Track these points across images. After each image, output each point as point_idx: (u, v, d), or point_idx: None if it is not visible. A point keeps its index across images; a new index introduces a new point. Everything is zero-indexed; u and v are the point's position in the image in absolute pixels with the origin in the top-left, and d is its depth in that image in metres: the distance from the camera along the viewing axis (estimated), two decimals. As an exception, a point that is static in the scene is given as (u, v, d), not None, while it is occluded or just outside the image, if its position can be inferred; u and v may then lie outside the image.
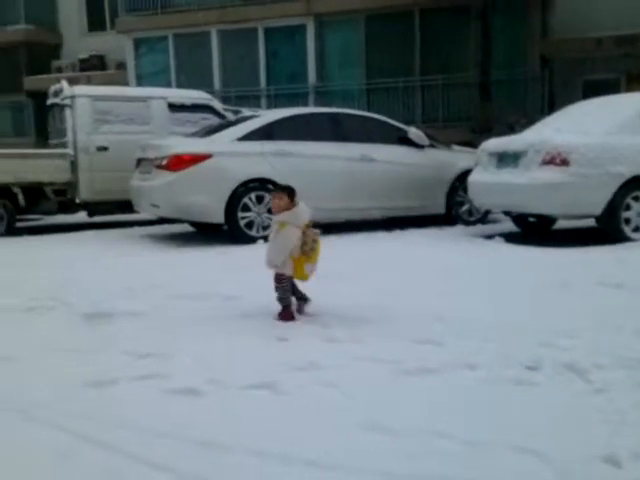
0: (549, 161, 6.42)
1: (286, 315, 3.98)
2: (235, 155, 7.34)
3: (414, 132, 8.39)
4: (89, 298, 4.59)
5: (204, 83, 14.81)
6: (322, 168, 7.73)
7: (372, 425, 2.44)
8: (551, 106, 13.85)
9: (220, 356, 3.33)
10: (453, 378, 2.95)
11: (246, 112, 9.42)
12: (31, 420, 2.58)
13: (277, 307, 4.03)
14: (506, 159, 7.01)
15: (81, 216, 9.61)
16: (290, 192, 4.03)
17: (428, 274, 5.34)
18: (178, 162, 7.14)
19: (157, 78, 16.33)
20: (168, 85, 15.73)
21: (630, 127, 6.55)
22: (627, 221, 6.56)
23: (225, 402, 2.74)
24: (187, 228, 8.79)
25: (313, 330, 3.73)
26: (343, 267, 5.42)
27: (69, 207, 9.21)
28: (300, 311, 4.07)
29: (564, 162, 6.34)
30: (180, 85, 15.25)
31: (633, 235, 6.53)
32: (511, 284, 4.92)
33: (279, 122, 7.83)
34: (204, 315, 4.17)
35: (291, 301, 4.04)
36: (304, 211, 3.99)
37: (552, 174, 6.38)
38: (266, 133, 7.64)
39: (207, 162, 7.20)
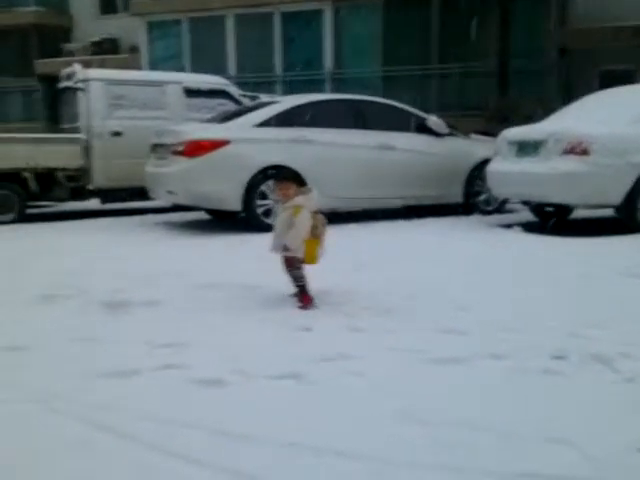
0: (570, 150, 6.37)
1: (306, 298, 3.97)
2: (253, 142, 7.24)
3: (434, 120, 8.28)
4: (106, 287, 4.54)
5: (219, 68, 14.66)
6: (341, 156, 7.62)
7: (404, 416, 2.40)
8: (568, 96, 13.68)
9: (243, 346, 3.27)
10: (481, 368, 2.91)
11: (264, 98, 9.30)
12: (52, 411, 2.52)
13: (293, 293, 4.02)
14: (526, 148, 6.93)
15: (93, 203, 9.50)
16: (297, 180, 4.07)
17: (449, 263, 5.27)
18: (195, 148, 7.05)
19: (171, 62, 16.21)
20: (182, 70, 15.57)
21: None
22: None
23: (251, 393, 2.68)
24: (202, 216, 8.71)
25: (337, 320, 3.67)
26: (364, 256, 5.38)
27: (82, 194, 9.06)
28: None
29: (584, 152, 6.30)
30: (194, 70, 15.11)
31: None
32: (534, 274, 4.86)
33: (298, 108, 7.71)
34: (223, 304, 4.12)
35: (307, 282, 4.02)
36: (315, 196, 4.05)
37: (573, 164, 6.33)
38: (285, 119, 7.53)
39: (225, 148, 7.11)
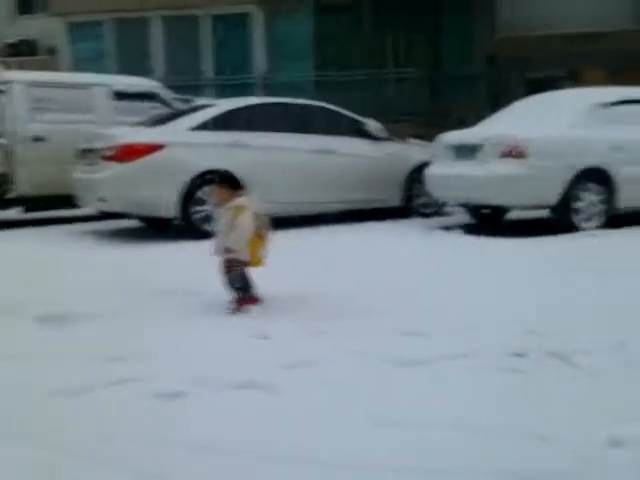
0: (507, 154, 6.55)
1: (247, 300, 3.92)
2: (189, 146, 7.02)
3: (372, 124, 8.31)
4: (40, 299, 4.24)
5: (145, 71, 14.25)
6: (280, 160, 7.50)
7: (380, 420, 2.34)
8: (496, 102, 14.05)
9: (200, 356, 3.14)
10: (447, 368, 2.90)
11: (198, 101, 9.07)
12: (4, 436, 2.30)
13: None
14: (463, 152, 7.06)
15: (12, 212, 8.93)
16: (232, 184, 4.08)
17: (398, 266, 5.24)
18: (127, 152, 6.77)
19: (93, 65, 15.60)
20: (104, 73, 15.03)
21: (582, 121, 6.76)
22: (577, 211, 6.75)
23: (216, 404, 2.56)
24: (133, 224, 8.36)
25: (295, 325, 3.59)
26: (311, 261, 5.31)
27: (2, 202, 8.52)
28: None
29: (521, 154, 6.49)
30: (120, 73, 14.60)
31: (584, 224, 6.73)
32: (483, 275, 4.92)
33: (235, 112, 7.55)
34: (170, 313, 3.98)
35: (251, 285, 3.97)
36: (253, 197, 4.07)
37: (510, 166, 6.51)
38: (221, 123, 7.34)
39: (159, 153, 6.85)
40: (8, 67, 9.12)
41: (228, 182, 4.12)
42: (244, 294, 3.94)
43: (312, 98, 12.71)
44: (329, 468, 2.01)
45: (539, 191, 6.59)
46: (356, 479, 1.97)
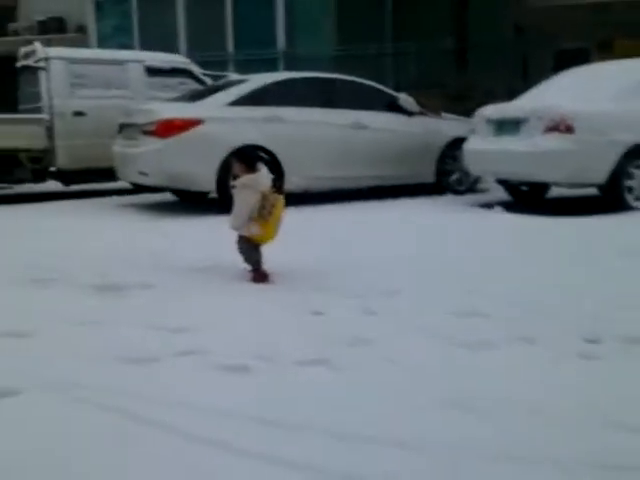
0: (553, 128, 6.33)
1: (258, 276, 4.07)
2: (226, 121, 7.04)
3: (405, 98, 8.23)
4: (92, 270, 4.33)
5: (169, 47, 14.20)
6: (315, 135, 7.50)
7: (451, 402, 2.31)
8: (524, 74, 13.84)
9: (258, 331, 3.16)
10: (516, 351, 2.84)
11: (233, 76, 9.08)
12: (77, 401, 2.37)
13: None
14: (505, 126, 6.89)
15: (52, 185, 9.12)
16: (247, 162, 4.16)
17: (442, 244, 5.19)
18: (168, 127, 6.81)
19: (119, 41, 15.63)
20: (130, 49, 15.07)
21: (632, 94, 6.48)
22: (630, 189, 6.52)
23: (282, 379, 2.58)
24: (166, 197, 8.45)
25: (346, 301, 3.58)
26: (349, 237, 5.31)
27: (43, 175, 8.73)
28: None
29: (568, 129, 6.27)
30: (143, 49, 14.62)
31: (635, 204, 6.50)
32: (534, 255, 4.78)
33: (270, 87, 7.53)
34: (218, 287, 4.00)
35: (261, 260, 4.11)
36: (264, 176, 4.10)
37: (556, 141, 6.29)
38: (257, 98, 7.34)
39: (198, 128, 6.88)
40: (48, 44, 9.20)
41: (245, 159, 4.22)
42: (252, 268, 4.11)
43: (336, 72, 12.71)
44: (405, 449, 1.99)
45: (587, 168, 6.36)
46: (434, 464, 1.93)
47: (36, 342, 3.00)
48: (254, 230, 4.02)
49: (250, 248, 4.09)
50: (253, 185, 4.01)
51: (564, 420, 2.19)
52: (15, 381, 2.49)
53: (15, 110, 9.48)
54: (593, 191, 6.85)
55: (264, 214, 3.99)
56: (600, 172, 6.42)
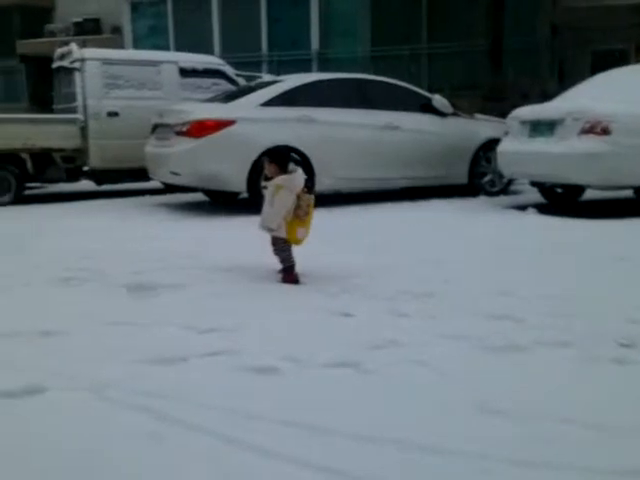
0: (589, 130, 6.24)
1: (290, 277, 4.05)
2: (259, 122, 7.07)
3: (438, 100, 8.16)
4: (123, 269, 4.39)
5: (203, 48, 14.33)
6: (346, 136, 7.48)
7: (484, 408, 2.27)
8: (560, 76, 13.64)
9: (286, 332, 3.15)
10: (548, 357, 2.78)
11: (265, 77, 9.11)
12: (107, 400, 2.38)
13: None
14: (540, 128, 6.80)
15: (85, 184, 9.28)
16: (280, 162, 4.12)
17: (476, 246, 5.14)
18: (200, 128, 6.87)
19: (154, 42, 15.83)
20: (165, 50, 15.22)
21: None
22: None
23: (310, 381, 2.56)
24: (196, 197, 8.51)
25: (374, 303, 3.55)
26: (381, 239, 5.26)
27: (76, 175, 8.89)
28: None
29: (605, 131, 6.17)
30: (178, 50, 14.76)
31: None
32: (568, 258, 4.71)
33: (302, 88, 7.55)
34: (248, 287, 4.01)
35: (294, 262, 4.08)
36: (300, 176, 4.06)
37: (592, 143, 6.20)
38: (289, 99, 7.36)
39: (230, 128, 6.92)
40: (83, 45, 9.35)
41: (278, 159, 4.18)
42: (284, 269, 4.09)
43: (370, 73, 12.69)
44: (433, 454, 1.96)
45: (624, 170, 6.27)
46: (466, 468, 1.90)
47: (68, 341, 3.03)
48: (300, 234, 4.03)
49: (288, 249, 4.08)
50: (289, 186, 3.99)
51: (595, 426, 2.13)
52: (46, 380, 2.51)
53: (50, 110, 9.68)
54: (629, 193, 6.73)
55: (300, 214, 3.99)
56: (636, 175, 6.34)
